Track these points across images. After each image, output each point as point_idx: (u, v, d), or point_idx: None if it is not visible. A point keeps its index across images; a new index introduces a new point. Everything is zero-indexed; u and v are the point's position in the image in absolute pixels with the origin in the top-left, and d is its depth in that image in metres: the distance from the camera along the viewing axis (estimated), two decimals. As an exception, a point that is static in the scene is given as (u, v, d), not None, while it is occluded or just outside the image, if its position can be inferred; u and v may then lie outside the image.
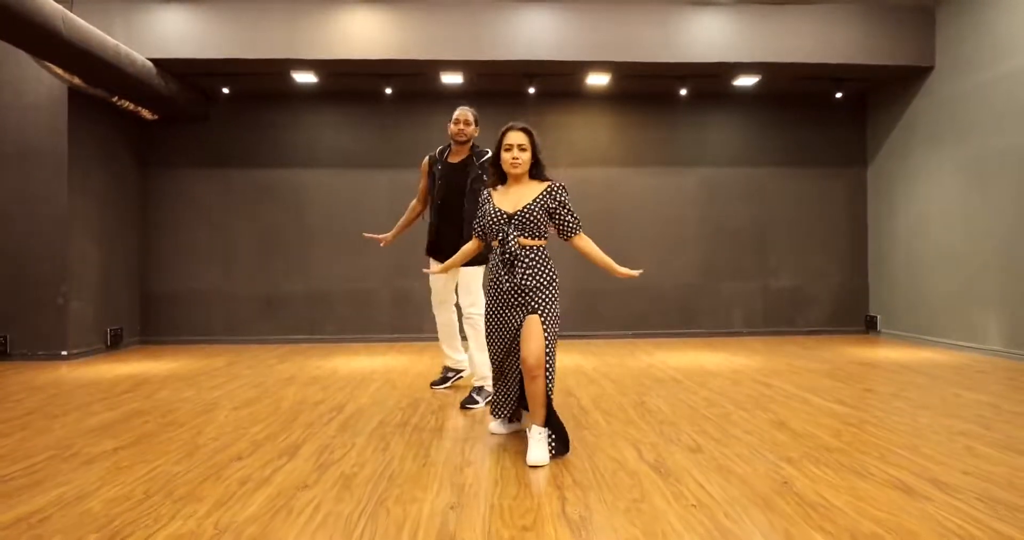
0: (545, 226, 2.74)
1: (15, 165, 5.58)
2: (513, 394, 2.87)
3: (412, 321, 6.85)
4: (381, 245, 4.15)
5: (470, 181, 3.60)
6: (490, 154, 3.50)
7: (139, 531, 1.90)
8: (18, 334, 5.55)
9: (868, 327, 7.08)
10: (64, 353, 5.54)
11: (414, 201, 4.00)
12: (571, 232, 2.79)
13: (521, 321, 2.67)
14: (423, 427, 3.16)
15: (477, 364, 3.68)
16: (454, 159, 3.72)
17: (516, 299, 2.69)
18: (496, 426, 3.00)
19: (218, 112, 6.84)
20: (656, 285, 6.96)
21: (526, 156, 2.74)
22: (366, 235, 4.21)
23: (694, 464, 2.51)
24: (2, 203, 5.56)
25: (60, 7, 4.46)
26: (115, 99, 5.84)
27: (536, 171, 2.79)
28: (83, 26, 4.68)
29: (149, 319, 6.73)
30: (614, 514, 2.01)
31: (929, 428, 3.07)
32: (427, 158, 3.84)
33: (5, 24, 4.14)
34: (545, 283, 2.70)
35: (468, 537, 1.85)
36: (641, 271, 2.86)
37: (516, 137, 2.74)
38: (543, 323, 2.63)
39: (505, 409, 2.93)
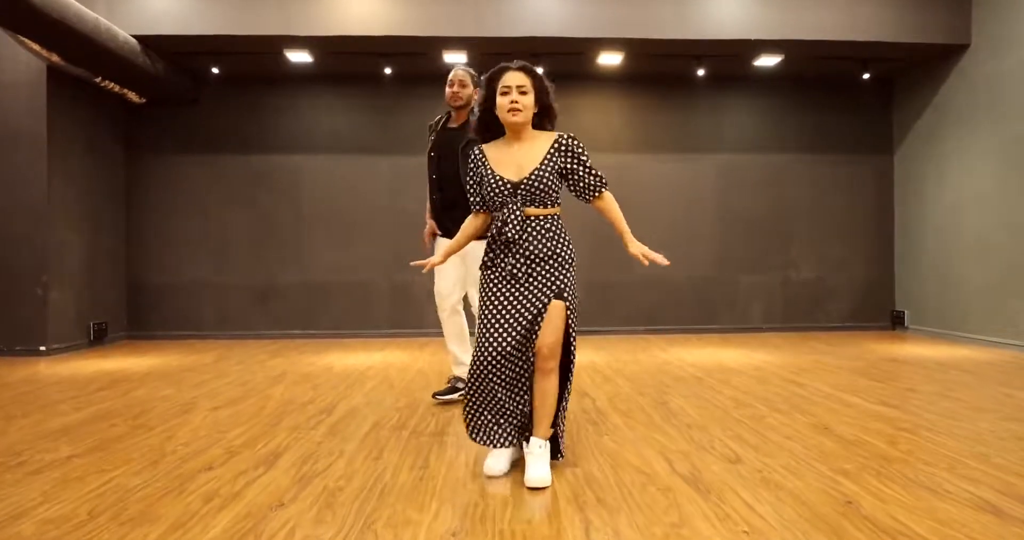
0: (559, 190, 2.22)
1: (-10, 148, 5.25)
2: (519, 410, 2.23)
3: (412, 315, 6.51)
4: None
5: (461, 147, 3.16)
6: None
7: (71, 564, 1.56)
8: (-6, 328, 5.23)
9: (894, 323, 6.70)
10: (43, 348, 5.22)
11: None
12: (594, 192, 2.24)
13: (532, 311, 2.13)
14: (422, 431, 2.82)
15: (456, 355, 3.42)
16: (454, 124, 3.35)
17: (526, 282, 2.15)
18: (498, 462, 2.19)
19: (209, 95, 6.49)
20: (670, 278, 6.59)
21: (528, 100, 2.15)
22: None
23: (736, 478, 2.16)
24: (-24, 188, 5.23)
25: (30, -27, 4.12)
26: (99, 80, 5.49)
27: (542, 120, 2.23)
28: (57, -5, 4.33)
29: (136, 312, 6.40)
30: (634, 531, 1.66)
31: (992, 434, 2.71)
32: (429, 126, 3.48)
33: (-32, -10, 3.81)
34: (566, 258, 2.19)
35: (472, 574, 1.50)
36: (666, 262, 2.16)
37: (514, 77, 2.16)
38: (568, 309, 2.16)
39: (506, 433, 2.21)
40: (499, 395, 2.18)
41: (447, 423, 2.96)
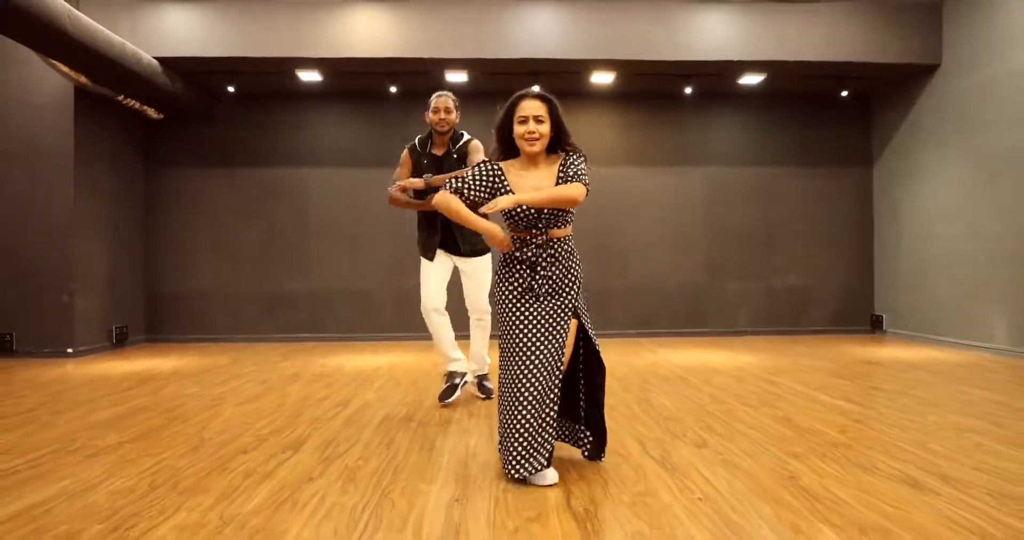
0: (574, 210, 2.34)
1: (22, 164, 5.60)
2: (546, 435, 2.23)
3: (414, 319, 6.80)
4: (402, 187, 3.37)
5: (445, 171, 3.31)
6: (467, 137, 3.38)
7: (143, 522, 1.90)
8: (23, 331, 5.57)
9: (874, 326, 7.04)
10: (69, 351, 5.56)
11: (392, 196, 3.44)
12: (568, 181, 2.29)
13: (555, 330, 2.25)
14: (428, 422, 3.16)
15: (484, 356, 3.64)
16: (438, 151, 3.41)
17: (547, 301, 2.26)
18: (551, 475, 2.21)
19: (223, 111, 6.86)
20: (661, 284, 6.94)
21: (544, 129, 2.25)
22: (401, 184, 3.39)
23: (699, 459, 2.50)
24: (9, 202, 5.58)
25: (67, 5, 4.48)
26: (121, 98, 5.86)
27: (558, 144, 2.32)
28: (90, 24, 4.70)
29: (154, 317, 6.74)
30: (619, 507, 2.00)
31: (937, 425, 3.04)
32: (407, 149, 3.47)
33: (12, 21, 4.17)
34: (579, 276, 2.34)
35: (473, 528, 1.84)
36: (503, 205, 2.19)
37: (532, 107, 2.23)
38: (586, 326, 2.34)
39: (547, 450, 2.21)
40: (527, 419, 2.19)
41: (450, 416, 3.30)
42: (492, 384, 3.53)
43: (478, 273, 3.43)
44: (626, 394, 3.81)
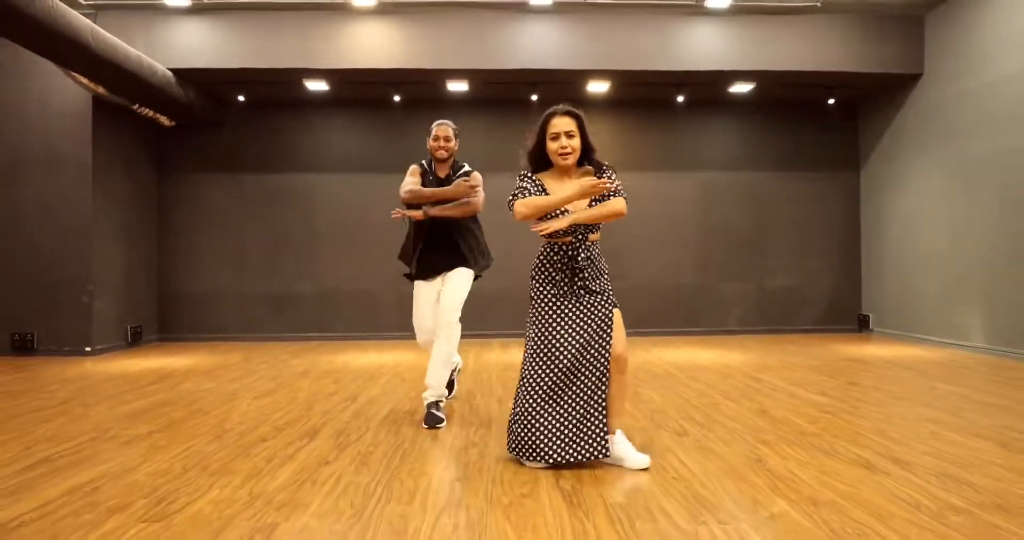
0: None
1: (43, 171, 5.87)
2: (595, 414, 2.40)
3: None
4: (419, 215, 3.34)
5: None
6: (470, 170, 3.43)
7: (182, 498, 2.16)
8: (44, 331, 5.83)
9: (861, 326, 7.29)
10: (88, 349, 5.82)
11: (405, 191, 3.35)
12: (609, 197, 2.46)
13: (599, 322, 2.44)
14: (431, 414, 3.41)
15: (441, 379, 3.23)
16: (441, 174, 3.44)
17: (589, 296, 2.47)
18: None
19: (233, 119, 7.12)
20: (656, 285, 7.19)
21: (575, 143, 2.43)
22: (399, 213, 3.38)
23: (679, 445, 2.75)
24: (30, 208, 5.85)
25: (89, 22, 4.75)
26: (136, 107, 6.13)
27: (587, 158, 2.51)
28: (110, 39, 4.96)
29: (166, 317, 7.01)
30: (602, 485, 2.26)
31: (901, 416, 3.29)
32: (417, 165, 3.48)
33: (39, 38, 4.43)
34: (608, 273, 2.56)
35: (472, 502, 2.09)
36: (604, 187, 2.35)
37: (563, 123, 2.43)
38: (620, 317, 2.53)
39: (585, 443, 2.39)
40: (548, 410, 2.39)
41: (451, 409, 3.55)
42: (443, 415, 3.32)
43: (458, 276, 3.36)
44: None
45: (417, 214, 3.28)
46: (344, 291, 7.14)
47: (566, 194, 2.39)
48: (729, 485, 2.24)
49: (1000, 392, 3.90)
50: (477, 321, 7.04)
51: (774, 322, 7.34)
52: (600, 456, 2.40)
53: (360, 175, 7.20)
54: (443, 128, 3.41)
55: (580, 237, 2.48)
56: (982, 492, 2.17)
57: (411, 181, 3.36)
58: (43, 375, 4.79)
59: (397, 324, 7.14)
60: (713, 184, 7.36)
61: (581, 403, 2.41)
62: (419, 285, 3.41)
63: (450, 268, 3.36)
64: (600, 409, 2.42)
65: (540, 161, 2.53)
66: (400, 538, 1.82)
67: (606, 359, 2.43)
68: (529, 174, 2.54)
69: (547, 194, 2.47)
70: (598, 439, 2.40)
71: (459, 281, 3.35)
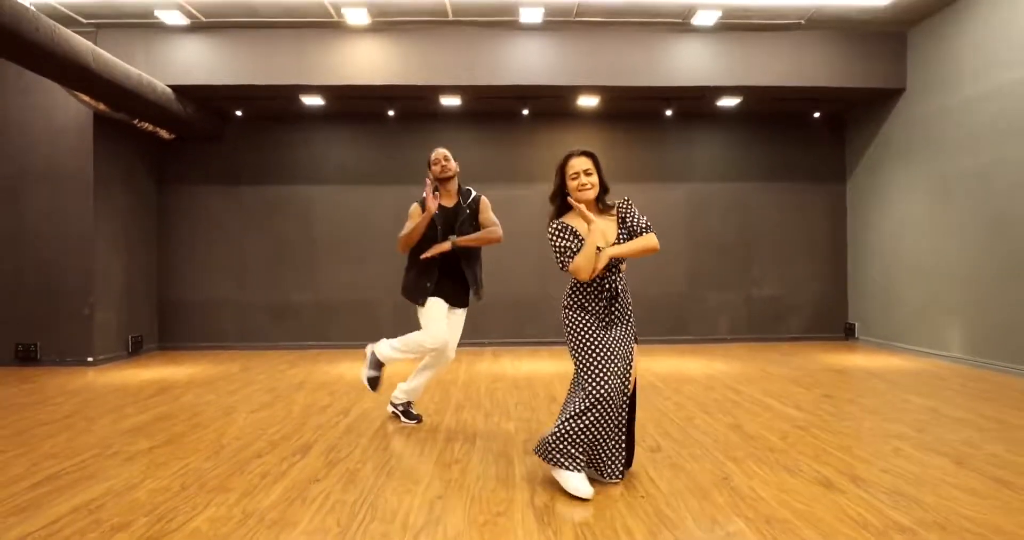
0: None
1: (46, 185, 6.02)
2: (621, 440, 2.62)
3: (413, 328, 7.24)
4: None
5: (458, 225, 3.48)
6: (475, 193, 3.58)
7: (180, 516, 2.31)
8: (47, 341, 5.99)
9: (847, 334, 7.44)
10: (90, 359, 5.98)
11: (402, 242, 3.52)
12: (640, 233, 2.63)
13: (629, 352, 2.63)
14: (419, 428, 3.57)
15: (420, 385, 3.67)
16: (447, 202, 3.55)
17: (622, 325, 2.65)
18: (586, 484, 2.48)
19: (231, 132, 7.27)
20: (646, 295, 7.34)
21: (593, 179, 2.61)
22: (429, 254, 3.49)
23: (651, 462, 2.90)
24: (34, 220, 6.00)
25: (90, 44, 4.90)
26: (136, 121, 6.28)
27: (601, 196, 2.66)
28: (110, 59, 5.11)
29: (167, 327, 7.16)
30: (574, 504, 2.41)
31: (869, 431, 3.44)
32: (417, 203, 3.59)
33: (43, 61, 4.58)
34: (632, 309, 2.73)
35: (450, 521, 2.25)
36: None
37: (580, 163, 2.61)
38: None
39: (618, 460, 2.60)
40: (604, 431, 2.51)
41: (438, 423, 3.70)
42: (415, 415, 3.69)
43: (461, 320, 3.65)
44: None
45: (446, 247, 3.41)
46: (341, 300, 7.30)
47: (593, 237, 2.54)
48: (693, 504, 2.39)
49: (969, 405, 4.05)
50: (470, 330, 7.21)
51: (762, 331, 7.49)
52: (620, 477, 2.61)
53: (357, 187, 7.35)
54: (440, 151, 3.55)
55: (615, 269, 2.64)
56: (929, 511, 2.32)
57: (407, 227, 3.47)
58: (47, 387, 4.95)
59: (394, 333, 7.27)
60: (701, 195, 7.50)
61: (621, 426, 2.60)
62: (438, 302, 3.53)
63: (461, 304, 3.60)
64: (626, 434, 2.64)
65: (562, 202, 2.68)
66: (381, 556, 1.97)
67: (629, 387, 2.62)
68: (562, 225, 2.63)
69: (580, 236, 2.60)
70: (622, 462, 2.62)
71: (462, 323, 3.69)
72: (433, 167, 3.55)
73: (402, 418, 3.72)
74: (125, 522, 2.25)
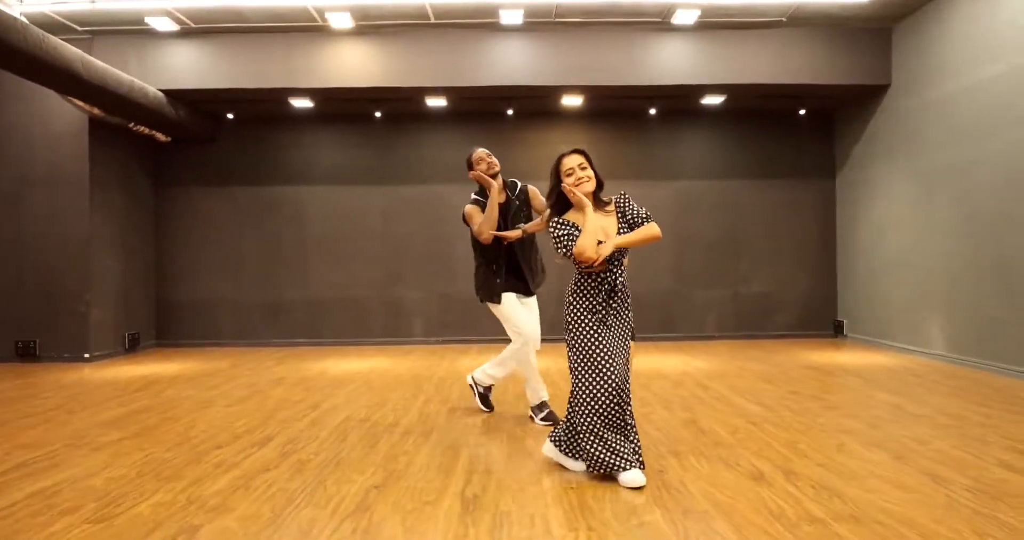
0: None
1: (44, 188, 6.24)
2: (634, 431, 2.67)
3: (402, 326, 7.40)
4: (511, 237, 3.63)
5: (511, 216, 3.65)
6: (521, 184, 3.74)
7: (128, 501, 2.44)
8: (46, 339, 6.21)
9: (836, 331, 7.42)
10: (87, 356, 6.19)
11: (485, 227, 3.58)
12: (642, 224, 2.71)
13: (627, 345, 2.70)
14: (380, 422, 3.68)
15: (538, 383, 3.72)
16: (500, 201, 3.64)
17: (622, 318, 2.72)
18: (640, 476, 2.55)
19: (225, 134, 7.45)
20: (633, 292, 7.33)
21: (589, 172, 2.69)
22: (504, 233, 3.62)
23: (593, 455, 2.97)
24: (32, 222, 6.23)
25: (79, 51, 5.08)
26: (131, 125, 6.47)
27: (597, 192, 2.72)
28: (100, 66, 5.29)
29: (164, 324, 7.37)
30: (503, 493, 2.50)
31: (821, 427, 3.48)
32: (472, 203, 3.71)
33: (33, 69, 4.77)
34: (631, 303, 2.77)
35: (379, 509, 2.35)
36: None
37: (572, 160, 2.70)
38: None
39: (638, 453, 2.66)
40: (625, 420, 2.62)
41: (399, 419, 3.81)
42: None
43: (535, 307, 3.78)
44: (562, 401, 4.28)
45: (517, 234, 3.60)
46: (333, 299, 7.45)
47: (592, 221, 2.64)
48: (619, 495, 2.47)
49: (934, 402, 4.06)
50: (460, 328, 7.32)
51: (750, 328, 7.49)
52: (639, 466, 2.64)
53: (347, 187, 7.49)
54: (480, 150, 3.68)
55: (616, 262, 2.71)
56: (848, 504, 2.37)
57: (479, 221, 3.61)
58: (41, 382, 5.15)
59: (382, 330, 7.43)
60: (689, 192, 7.52)
61: (628, 416, 2.66)
62: (510, 296, 3.67)
63: (527, 293, 3.74)
64: (634, 422, 2.70)
65: (561, 202, 2.75)
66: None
67: (624, 380, 2.66)
68: (562, 219, 2.71)
69: (579, 230, 2.68)
70: (639, 451, 2.68)
71: (537, 308, 3.78)
72: (479, 165, 3.65)
73: (477, 400, 3.95)
74: (75, 506, 2.39)
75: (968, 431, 3.35)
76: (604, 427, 2.59)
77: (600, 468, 2.62)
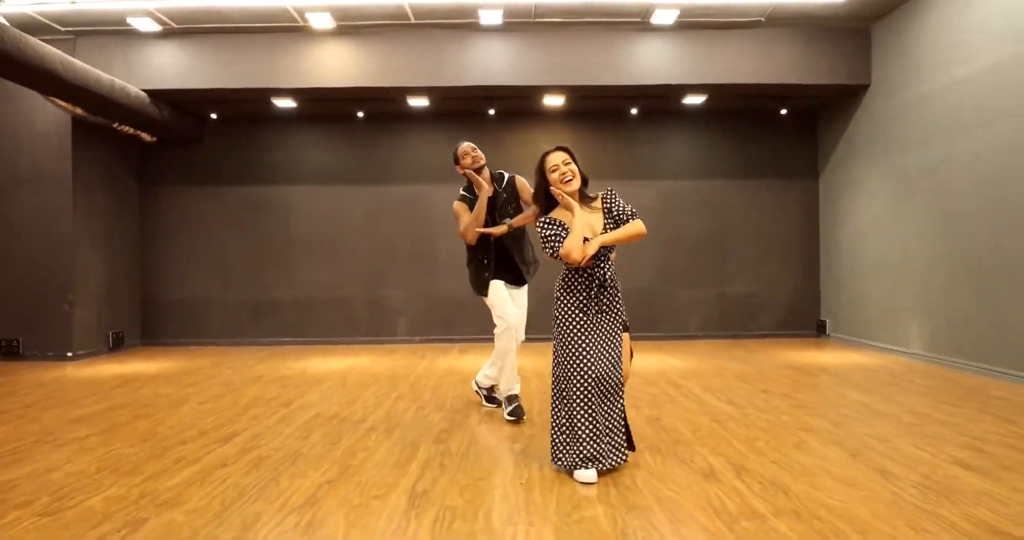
0: None
1: (28, 188, 6.28)
2: (622, 425, 2.72)
3: (386, 324, 7.43)
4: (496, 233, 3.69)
5: (499, 209, 3.68)
6: (508, 175, 3.77)
7: (81, 495, 2.47)
8: (29, 337, 6.25)
9: (819, 331, 7.43)
10: (69, 354, 6.23)
11: (470, 229, 3.63)
12: (627, 221, 2.75)
13: (616, 340, 2.72)
14: (348, 419, 3.71)
15: (494, 373, 3.85)
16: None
17: (610, 312, 2.73)
18: (592, 475, 2.57)
19: (210, 134, 7.49)
20: (615, 291, 7.40)
21: (573, 168, 2.72)
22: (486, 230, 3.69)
23: (546, 452, 3.00)
24: (17, 221, 6.26)
25: (59, 52, 5.11)
26: (116, 125, 6.51)
27: (583, 188, 2.76)
28: (80, 66, 5.33)
29: (149, 324, 7.41)
30: (452, 489, 2.52)
31: (784, 425, 3.50)
32: (459, 199, 3.74)
33: (12, 69, 4.80)
34: (621, 297, 2.78)
35: (327, 503, 2.38)
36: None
37: (556, 157, 2.73)
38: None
39: (618, 451, 2.67)
40: (598, 416, 2.62)
41: (366, 416, 3.84)
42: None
43: (524, 299, 3.84)
44: (530, 399, 4.31)
45: (503, 229, 3.65)
46: (319, 297, 7.48)
47: (579, 221, 2.67)
48: (566, 491, 2.49)
49: (903, 400, 4.08)
50: (442, 327, 7.35)
51: (734, 328, 7.51)
52: (621, 463, 2.69)
53: (332, 187, 7.53)
54: (465, 144, 3.70)
55: (603, 258, 2.73)
56: (792, 500, 2.39)
57: (465, 221, 3.65)
58: (20, 380, 5.19)
59: (367, 329, 7.46)
60: (672, 192, 7.54)
61: (615, 414, 2.69)
62: (498, 284, 3.71)
63: (517, 283, 3.79)
64: (624, 420, 2.74)
65: (548, 199, 2.78)
66: (244, 534, 2.11)
67: (621, 374, 2.72)
68: (550, 218, 2.73)
69: (567, 228, 2.70)
70: (623, 448, 2.70)
71: (526, 300, 3.84)
72: (464, 160, 3.69)
73: (484, 402, 4.02)
74: (29, 500, 2.42)
75: (929, 429, 3.37)
76: (577, 422, 2.62)
77: (556, 462, 2.67)
